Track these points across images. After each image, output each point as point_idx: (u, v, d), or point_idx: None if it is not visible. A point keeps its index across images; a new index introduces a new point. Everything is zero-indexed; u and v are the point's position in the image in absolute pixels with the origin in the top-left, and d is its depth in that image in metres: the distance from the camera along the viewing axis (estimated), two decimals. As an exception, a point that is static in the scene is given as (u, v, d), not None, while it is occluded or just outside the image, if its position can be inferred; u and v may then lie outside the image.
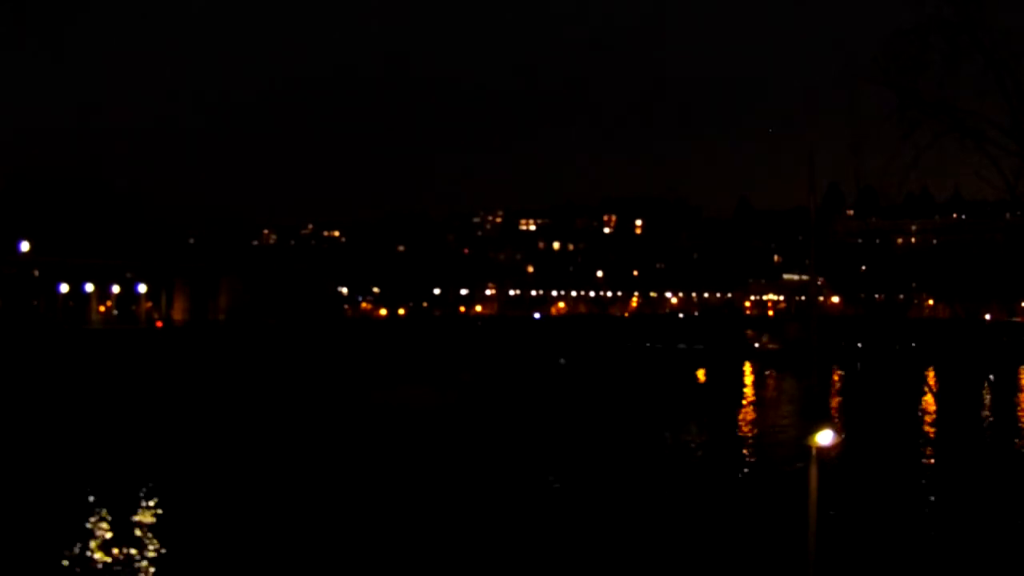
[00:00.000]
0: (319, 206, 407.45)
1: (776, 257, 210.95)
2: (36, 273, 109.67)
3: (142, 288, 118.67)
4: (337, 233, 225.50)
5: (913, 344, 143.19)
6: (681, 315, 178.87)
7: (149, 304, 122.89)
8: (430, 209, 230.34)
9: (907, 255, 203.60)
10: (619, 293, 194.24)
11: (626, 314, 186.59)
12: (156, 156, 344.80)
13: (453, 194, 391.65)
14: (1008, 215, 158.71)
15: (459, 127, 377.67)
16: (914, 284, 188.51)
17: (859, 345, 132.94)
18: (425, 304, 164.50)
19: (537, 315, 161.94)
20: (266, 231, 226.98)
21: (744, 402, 78.34)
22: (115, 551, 30.76)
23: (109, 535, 32.51)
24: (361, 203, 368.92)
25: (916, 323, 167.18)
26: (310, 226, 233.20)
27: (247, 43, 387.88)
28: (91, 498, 38.03)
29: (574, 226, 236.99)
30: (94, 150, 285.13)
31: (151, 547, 31.14)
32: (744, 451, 52.83)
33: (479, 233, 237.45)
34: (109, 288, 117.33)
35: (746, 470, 46.92)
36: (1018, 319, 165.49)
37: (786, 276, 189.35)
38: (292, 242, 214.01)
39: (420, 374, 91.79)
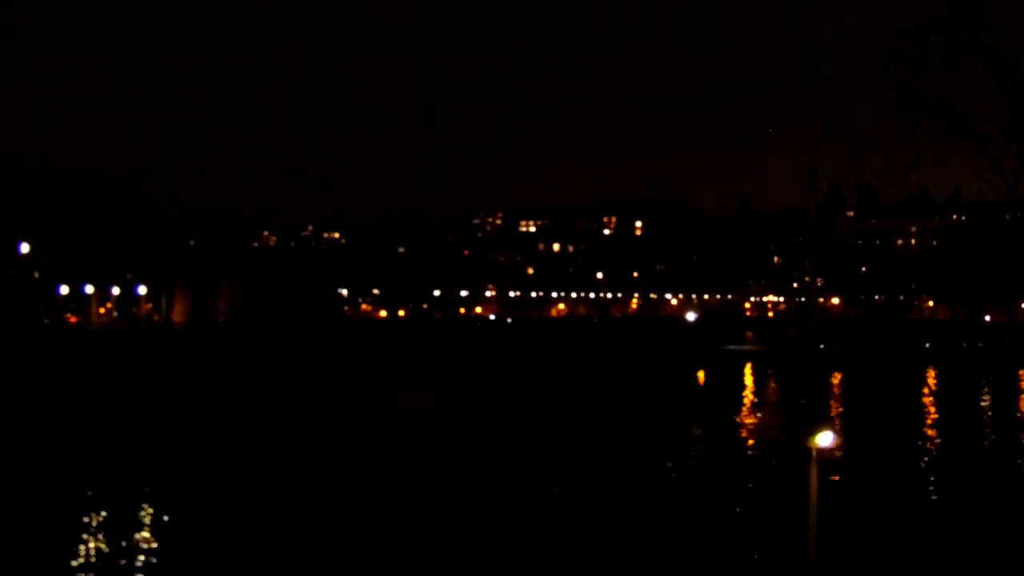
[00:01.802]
0: (319, 207, 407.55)
1: (776, 259, 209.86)
2: (36, 275, 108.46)
3: (142, 290, 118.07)
4: (337, 235, 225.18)
5: (913, 345, 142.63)
6: (690, 316, 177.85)
7: (149, 306, 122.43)
8: (430, 210, 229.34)
9: (907, 256, 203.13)
10: (619, 295, 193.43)
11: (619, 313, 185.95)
12: (156, 156, 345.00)
13: (453, 195, 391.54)
14: (1008, 216, 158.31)
15: (459, 128, 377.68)
16: (914, 285, 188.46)
17: (858, 346, 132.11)
18: (425, 306, 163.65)
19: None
20: (266, 232, 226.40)
21: (744, 403, 78.18)
22: (114, 548, 30.65)
23: (106, 535, 32.43)
24: (361, 204, 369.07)
25: (916, 324, 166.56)
26: (310, 227, 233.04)
27: (248, 44, 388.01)
28: (89, 493, 38.16)
29: (574, 227, 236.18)
30: (94, 150, 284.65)
31: (149, 546, 31.06)
32: (744, 452, 52.54)
33: (479, 235, 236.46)
34: (109, 290, 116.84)
35: (744, 472, 46.35)
36: (1020, 320, 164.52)
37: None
38: (292, 243, 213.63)
39: (420, 375, 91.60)
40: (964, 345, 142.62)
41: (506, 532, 33.22)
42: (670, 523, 34.78)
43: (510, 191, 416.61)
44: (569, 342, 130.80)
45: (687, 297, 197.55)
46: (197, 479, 42.42)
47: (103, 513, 35.44)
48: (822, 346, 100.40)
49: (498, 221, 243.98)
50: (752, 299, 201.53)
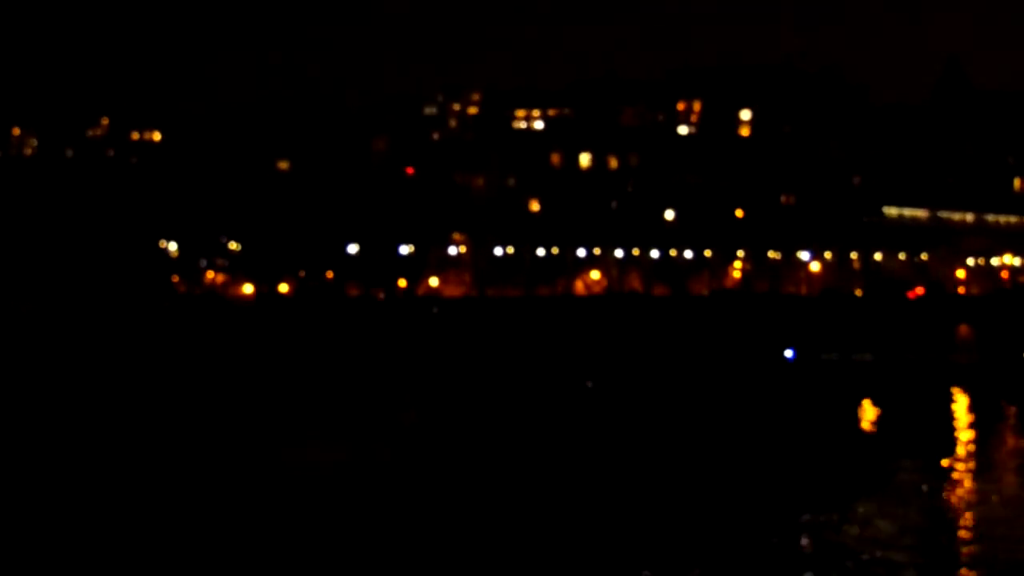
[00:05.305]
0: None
1: (1018, 180, 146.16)
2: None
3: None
4: (158, 135, 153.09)
5: None
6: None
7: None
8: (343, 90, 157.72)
9: None
10: (707, 252, 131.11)
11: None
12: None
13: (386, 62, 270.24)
14: None
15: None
16: None
17: None
18: (330, 275, 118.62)
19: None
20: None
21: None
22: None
23: None
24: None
25: None
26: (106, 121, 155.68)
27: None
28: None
29: (616, 121, 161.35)
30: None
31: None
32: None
33: (435, 136, 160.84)
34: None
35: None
36: None
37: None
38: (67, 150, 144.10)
39: (324, 417, 66.53)
40: None
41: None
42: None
43: (490, 54, 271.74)
44: (606, 348, 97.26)
45: (840, 257, 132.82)
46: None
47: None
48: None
49: (471, 110, 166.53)
50: (972, 260, 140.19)
